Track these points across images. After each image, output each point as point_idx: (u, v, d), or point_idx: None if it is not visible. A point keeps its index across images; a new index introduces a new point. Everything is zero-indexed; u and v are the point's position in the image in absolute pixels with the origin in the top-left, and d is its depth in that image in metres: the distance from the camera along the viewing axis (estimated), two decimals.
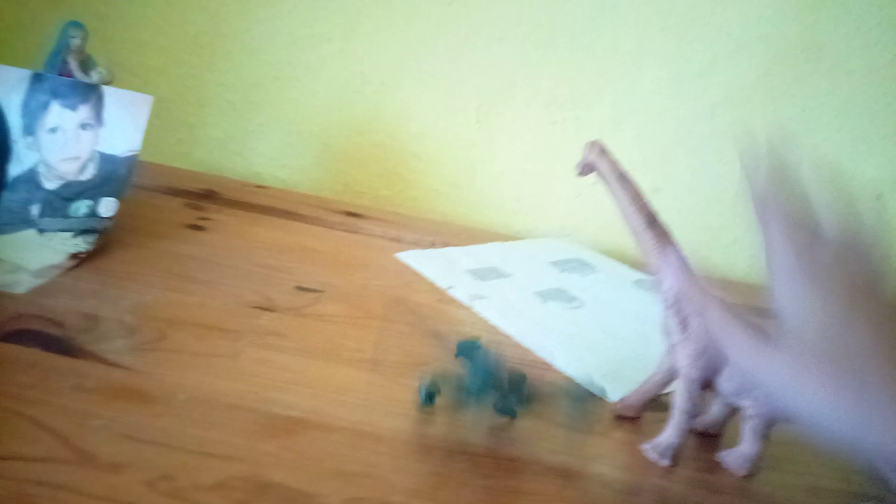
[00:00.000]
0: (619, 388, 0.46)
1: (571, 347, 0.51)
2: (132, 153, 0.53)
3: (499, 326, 0.53)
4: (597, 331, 0.55)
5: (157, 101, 0.80)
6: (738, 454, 0.39)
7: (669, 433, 0.39)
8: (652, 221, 0.38)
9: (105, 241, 0.52)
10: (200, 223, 0.61)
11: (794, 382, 0.30)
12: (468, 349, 0.37)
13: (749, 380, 0.37)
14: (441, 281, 0.59)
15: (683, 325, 0.38)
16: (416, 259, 0.63)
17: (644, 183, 0.81)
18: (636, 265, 0.74)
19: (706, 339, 0.37)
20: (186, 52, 0.80)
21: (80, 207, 0.51)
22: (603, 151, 0.39)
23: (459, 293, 0.58)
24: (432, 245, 0.69)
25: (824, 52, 0.76)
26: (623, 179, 0.38)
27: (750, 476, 0.39)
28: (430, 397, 0.38)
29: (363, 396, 0.39)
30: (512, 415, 0.38)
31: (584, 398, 0.38)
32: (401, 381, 0.42)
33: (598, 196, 0.83)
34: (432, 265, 0.63)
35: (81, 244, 0.50)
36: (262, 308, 0.47)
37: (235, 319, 0.45)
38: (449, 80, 0.80)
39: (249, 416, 0.35)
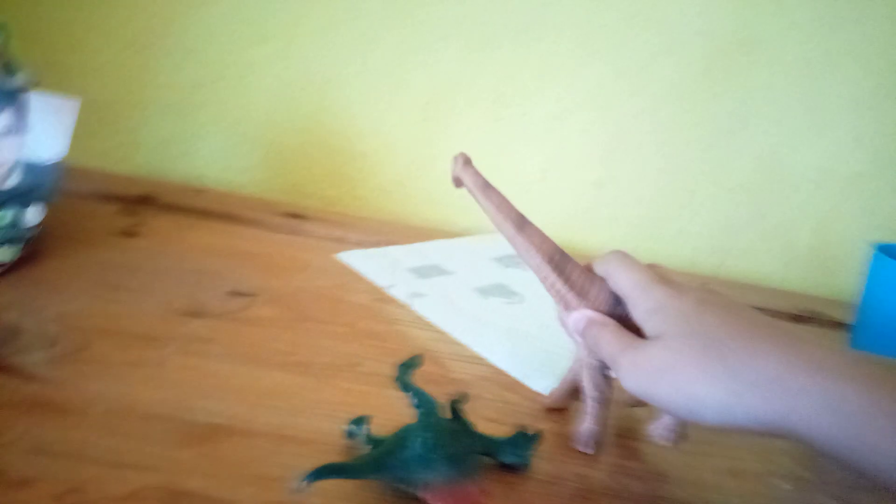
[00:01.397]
0: (550, 382, 0.47)
1: (508, 342, 0.52)
2: (59, 159, 0.52)
3: (436, 324, 0.54)
4: (534, 325, 0.56)
5: (95, 105, 0.79)
6: (662, 426, 0.41)
7: (587, 421, 0.40)
8: (521, 225, 0.39)
9: (32, 251, 0.51)
10: (134, 229, 0.60)
11: (670, 369, 0.31)
12: (408, 377, 0.36)
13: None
14: (380, 280, 0.60)
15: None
16: (357, 259, 0.63)
17: (589, 177, 0.83)
18: (581, 258, 0.75)
19: None
20: (124, 54, 0.78)
21: (5, 217, 0.50)
22: (467, 163, 0.40)
23: (398, 292, 0.58)
24: (376, 244, 0.69)
25: (760, 47, 0.78)
26: (487, 189, 0.39)
27: (675, 444, 0.41)
28: (352, 435, 0.37)
29: (289, 400, 0.39)
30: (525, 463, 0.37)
31: (525, 443, 0.38)
32: (330, 383, 0.42)
33: (544, 191, 0.83)
34: (373, 265, 0.63)
35: (5, 254, 0.49)
36: (191, 314, 0.47)
37: (163, 327, 0.44)
38: (394, 78, 0.80)
39: (169, 424, 0.35)
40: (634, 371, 0.33)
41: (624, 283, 0.37)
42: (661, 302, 0.34)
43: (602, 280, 0.39)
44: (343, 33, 0.78)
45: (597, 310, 0.38)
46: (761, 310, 0.72)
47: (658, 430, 0.42)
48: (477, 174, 0.40)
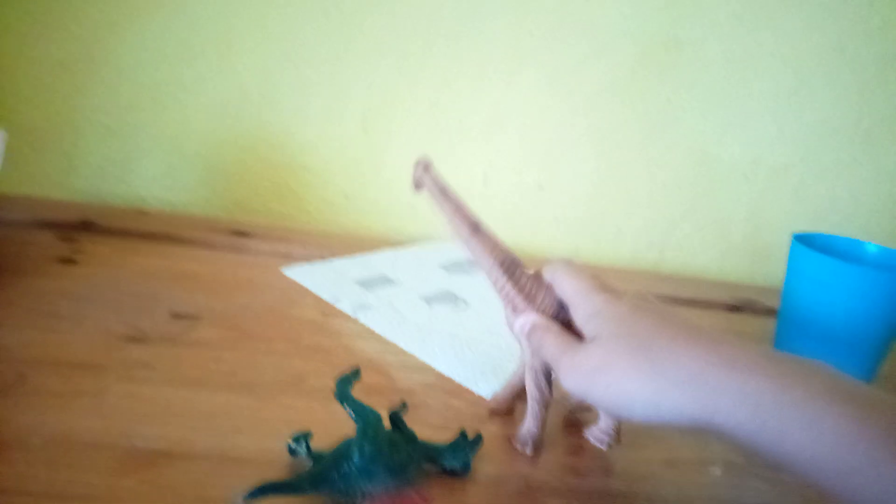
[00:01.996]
0: (495, 385, 0.48)
1: (452, 349, 0.53)
2: None
3: (383, 335, 0.55)
4: (479, 330, 0.57)
5: (27, 131, 0.78)
6: (598, 429, 0.43)
7: (528, 422, 0.41)
8: (475, 229, 0.40)
9: None
10: (73, 256, 0.60)
11: (604, 369, 0.33)
12: (347, 391, 0.37)
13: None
14: (327, 294, 0.60)
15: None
16: (303, 274, 0.64)
17: (528, 180, 0.85)
18: (526, 259, 0.77)
19: None
20: (54, 78, 0.77)
21: None
22: (427, 168, 0.41)
23: (345, 305, 0.59)
24: (322, 258, 0.69)
25: (684, 46, 0.81)
26: (445, 193, 0.40)
27: (611, 448, 0.43)
28: (294, 453, 0.37)
29: (232, 420, 0.39)
30: (467, 467, 0.38)
31: (466, 449, 0.39)
32: (273, 401, 0.42)
33: (486, 195, 0.85)
34: (318, 278, 0.63)
35: None
36: (132, 340, 0.47)
37: (102, 354, 0.44)
38: (332, 91, 0.80)
39: (109, 452, 0.35)
40: (573, 371, 0.35)
41: (567, 289, 0.39)
42: (599, 307, 0.36)
43: (549, 286, 0.40)
44: (277, 48, 0.78)
45: (543, 314, 0.39)
46: (699, 301, 0.75)
47: (594, 433, 0.43)
48: (436, 178, 0.41)
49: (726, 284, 0.82)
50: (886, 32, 0.81)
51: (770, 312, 0.73)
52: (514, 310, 0.40)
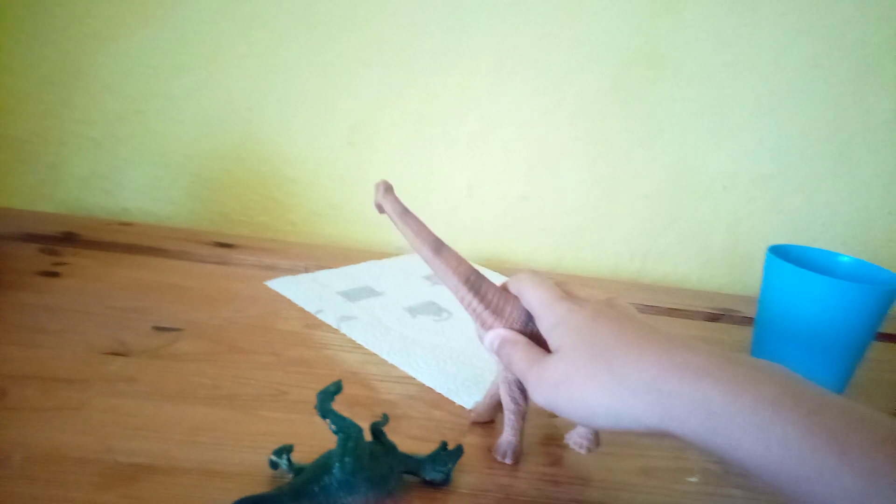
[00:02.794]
0: (476, 396, 0.49)
1: (435, 360, 0.54)
2: None
3: (365, 346, 0.55)
4: (461, 341, 0.58)
5: (13, 143, 0.78)
6: (577, 434, 0.43)
7: (506, 433, 0.42)
8: (438, 248, 0.41)
9: None
10: (55, 269, 0.60)
11: (567, 380, 0.34)
12: (328, 404, 0.37)
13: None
14: (310, 306, 0.61)
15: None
16: (286, 286, 0.64)
17: (513, 191, 0.86)
18: (508, 273, 0.78)
19: None
20: (39, 91, 0.77)
21: None
22: (387, 191, 0.41)
23: (328, 317, 0.59)
24: (307, 270, 0.70)
25: (665, 60, 0.83)
26: (405, 215, 0.41)
27: (591, 452, 0.43)
28: (275, 466, 0.38)
29: (214, 434, 0.40)
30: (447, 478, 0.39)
31: (446, 458, 0.40)
32: (256, 414, 0.43)
33: (471, 206, 0.86)
34: (302, 291, 0.63)
35: None
36: (114, 353, 0.47)
37: (84, 368, 0.44)
38: (318, 104, 0.81)
39: (91, 467, 0.35)
40: (539, 384, 0.35)
41: (532, 300, 0.39)
42: (561, 317, 0.37)
43: (516, 298, 0.41)
44: (263, 61, 0.79)
45: (511, 327, 0.40)
46: (679, 311, 0.76)
47: (574, 438, 0.44)
48: (396, 200, 0.42)
49: (706, 294, 0.83)
50: (862, 48, 0.82)
51: (748, 321, 0.74)
52: (483, 325, 0.41)
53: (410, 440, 0.43)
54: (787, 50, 0.83)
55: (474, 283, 0.41)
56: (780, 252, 0.58)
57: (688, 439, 0.30)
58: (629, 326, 0.35)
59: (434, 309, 0.64)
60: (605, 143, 0.85)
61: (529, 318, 0.40)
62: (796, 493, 0.27)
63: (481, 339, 0.42)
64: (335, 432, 0.36)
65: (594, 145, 0.85)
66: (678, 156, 0.86)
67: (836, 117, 0.85)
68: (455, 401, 0.48)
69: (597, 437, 0.44)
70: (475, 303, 0.40)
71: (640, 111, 0.84)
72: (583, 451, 0.44)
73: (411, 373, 0.52)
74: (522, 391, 0.41)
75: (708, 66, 0.83)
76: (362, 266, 0.73)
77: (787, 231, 0.89)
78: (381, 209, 0.42)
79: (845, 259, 0.58)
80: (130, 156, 0.80)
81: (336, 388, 0.38)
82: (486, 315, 0.40)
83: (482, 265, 0.81)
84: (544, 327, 0.38)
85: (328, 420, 0.36)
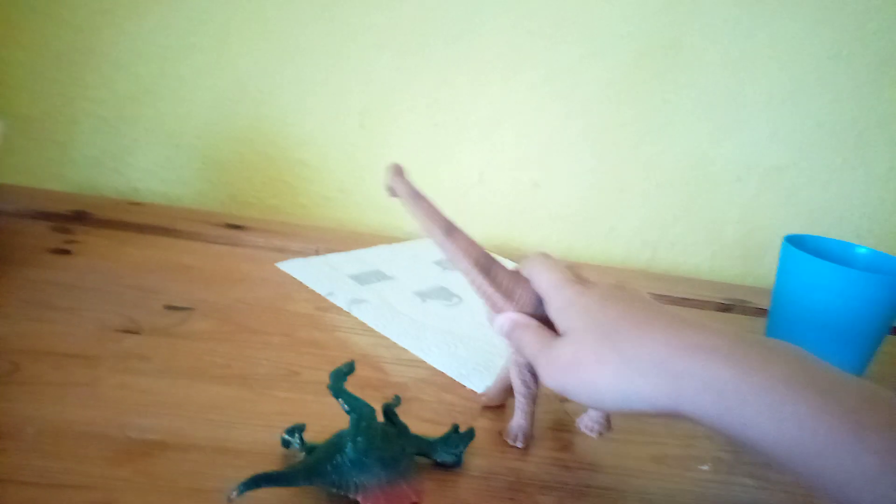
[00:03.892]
0: (486, 380, 0.49)
1: (445, 344, 0.53)
2: None
3: (376, 329, 0.55)
4: (472, 325, 0.58)
5: (23, 121, 0.78)
6: (588, 419, 0.43)
7: (517, 417, 0.41)
8: (450, 231, 0.40)
9: None
10: (67, 247, 0.60)
11: (576, 362, 0.34)
12: (340, 384, 0.37)
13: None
14: (321, 288, 0.60)
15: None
16: (297, 268, 0.64)
17: (524, 178, 0.85)
18: (519, 257, 0.77)
19: None
20: (51, 69, 0.77)
21: None
22: (398, 173, 0.41)
23: (339, 299, 0.59)
24: (317, 252, 0.70)
25: (681, 48, 0.82)
26: (417, 197, 0.41)
27: (602, 437, 0.43)
28: (287, 445, 0.38)
29: (226, 413, 0.40)
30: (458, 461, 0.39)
31: (457, 441, 0.40)
32: (268, 394, 0.43)
33: (482, 193, 0.85)
34: (313, 273, 0.63)
35: None
36: (126, 331, 0.47)
37: (96, 345, 0.44)
38: (330, 87, 0.80)
39: (104, 442, 0.35)
40: (549, 367, 0.35)
41: (542, 283, 0.39)
42: (569, 299, 0.36)
43: (527, 281, 0.41)
44: (275, 43, 0.78)
45: (522, 310, 0.40)
46: (690, 300, 0.76)
47: (585, 422, 0.44)
48: (408, 183, 0.41)
49: (718, 284, 0.83)
50: (881, 37, 0.81)
51: (760, 312, 0.73)
52: (494, 308, 0.41)
53: (421, 423, 0.42)
54: (805, 39, 0.82)
55: (486, 265, 0.40)
56: (796, 242, 0.57)
57: (699, 419, 0.30)
58: (638, 307, 0.34)
59: (444, 294, 0.64)
60: (618, 131, 0.84)
61: (540, 301, 0.40)
62: (809, 471, 0.26)
63: (492, 322, 0.42)
64: (348, 412, 0.36)
65: (607, 133, 0.84)
66: (692, 145, 0.85)
67: (853, 108, 0.84)
68: (466, 385, 0.48)
69: (608, 422, 0.44)
70: (486, 286, 0.40)
71: (655, 99, 0.83)
72: (594, 436, 0.43)
73: (422, 356, 0.52)
74: (533, 375, 0.41)
75: (723, 54, 0.82)
76: (373, 250, 0.73)
77: (801, 222, 0.88)
78: (392, 192, 0.42)
79: (862, 250, 0.57)
80: (141, 136, 0.80)
81: (349, 369, 0.38)
82: (497, 298, 0.40)
83: (492, 252, 0.81)
84: (553, 310, 0.37)
85: (341, 400, 0.36)
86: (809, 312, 0.51)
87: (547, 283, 0.38)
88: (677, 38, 0.81)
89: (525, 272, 0.41)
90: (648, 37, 0.81)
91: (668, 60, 0.82)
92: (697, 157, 0.85)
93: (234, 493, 0.30)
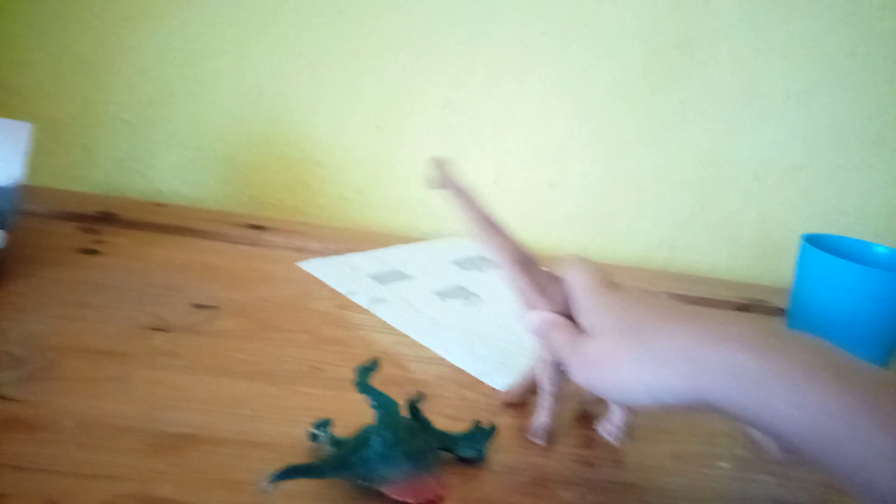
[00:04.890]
0: (507, 378, 0.49)
1: (466, 342, 0.54)
2: (14, 181, 0.53)
3: (397, 327, 0.56)
4: (491, 324, 0.58)
5: (48, 124, 0.80)
6: (609, 424, 0.44)
7: (540, 414, 0.42)
8: (491, 225, 0.41)
9: None
10: (95, 247, 0.61)
11: (604, 359, 0.35)
12: (366, 380, 0.38)
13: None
14: (342, 287, 0.61)
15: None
16: (319, 267, 0.65)
17: (539, 178, 0.86)
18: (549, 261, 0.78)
19: None
20: (75, 72, 0.79)
21: None
22: (443, 166, 0.42)
23: (360, 298, 0.60)
24: (337, 252, 0.71)
25: (696, 48, 0.82)
26: (461, 190, 0.42)
27: (623, 443, 0.43)
28: (315, 438, 0.39)
29: (255, 407, 0.41)
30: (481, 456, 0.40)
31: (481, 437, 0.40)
32: (293, 389, 0.44)
33: (497, 194, 0.86)
34: (334, 272, 0.64)
35: None
36: (155, 329, 0.48)
37: (127, 342, 0.46)
38: (346, 89, 0.81)
39: (138, 436, 0.36)
40: (579, 365, 0.36)
41: (573, 283, 0.40)
42: (596, 300, 0.37)
43: (561, 280, 0.41)
44: (292, 46, 0.79)
45: (554, 308, 0.40)
46: (708, 300, 0.76)
47: (606, 427, 0.44)
48: (452, 176, 0.42)
49: (735, 284, 0.83)
50: None
51: (778, 312, 0.74)
52: (527, 303, 0.41)
53: (443, 419, 0.43)
54: (821, 38, 0.82)
55: (523, 261, 0.41)
56: (814, 241, 0.58)
57: (722, 407, 0.30)
58: (663, 305, 0.35)
59: (463, 293, 0.65)
60: (633, 130, 0.84)
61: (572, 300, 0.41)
62: (828, 456, 0.27)
63: (523, 318, 0.42)
64: (374, 407, 0.37)
65: (622, 133, 0.84)
66: (708, 144, 0.85)
67: (870, 107, 0.84)
68: (486, 382, 0.49)
69: (629, 428, 0.44)
70: (522, 281, 0.41)
71: (670, 98, 0.84)
72: (614, 441, 0.43)
73: (443, 354, 0.52)
74: (561, 373, 0.42)
75: (740, 53, 0.83)
76: (391, 250, 0.74)
77: (818, 221, 0.88)
78: (435, 184, 0.43)
79: (881, 249, 0.57)
80: (163, 138, 0.82)
81: (374, 365, 0.39)
82: (532, 294, 0.41)
83: None
84: (582, 310, 0.38)
85: (367, 395, 0.37)
86: (829, 312, 0.52)
87: (579, 285, 0.39)
88: (691, 37, 0.82)
89: (560, 272, 0.42)
90: (662, 36, 0.81)
91: (682, 60, 0.82)
92: (713, 156, 0.86)
93: (267, 483, 0.31)
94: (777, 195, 0.87)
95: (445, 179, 0.42)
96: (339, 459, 0.35)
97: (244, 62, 0.80)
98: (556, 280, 0.41)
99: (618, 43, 0.81)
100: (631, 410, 0.43)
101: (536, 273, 0.41)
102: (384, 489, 0.34)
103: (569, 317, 0.40)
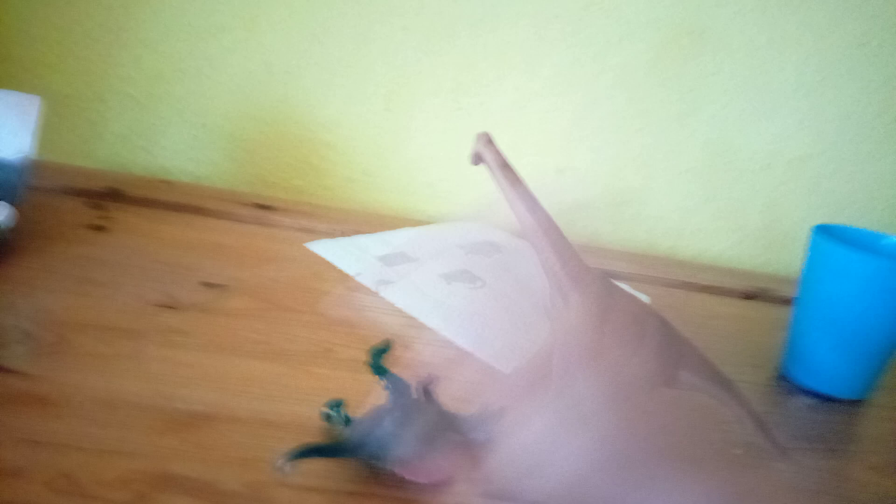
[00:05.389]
0: (513, 361, 0.49)
1: (471, 325, 0.54)
2: (24, 156, 0.52)
3: (403, 309, 0.56)
4: (496, 308, 0.58)
5: (55, 98, 0.79)
6: None
7: None
8: (532, 206, 0.41)
9: (2, 249, 0.51)
10: (102, 223, 0.61)
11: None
12: (380, 361, 0.38)
13: None
14: (349, 268, 0.61)
15: (565, 300, 0.41)
16: (326, 248, 0.65)
17: (549, 164, 0.86)
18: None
19: (584, 312, 0.41)
20: (82, 47, 0.78)
21: None
22: (489, 142, 0.41)
23: (367, 279, 0.60)
24: (343, 233, 0.70)
25: (708, 35, 0.81)
26: (505, 168, 0.41)
27: None
28: (329, 419, 0.39)
29: (266, 387, 0.41)
30: None
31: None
32: (304, 370, 0.44)
33: None
34: (341, 253, 0.64)
35: None
36: (164, 306, 0.48)
37: (137, 319, 0.46)
38: (355, 69, 0.81)
39: (151, 412, 0.36)
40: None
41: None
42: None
43: (596, 271, 0.41)
44: (302, 24, 0.79)
45: (586, 297, 0.40)
46: (713, 288, 0.76)
47: None
48: (498, 153, 0.42)
49: (741, 272, 0.83)
50: None
51: (784, 301, 0.74)
52: (559, 289, 0.41)
53: (451, 401, 0.43)
54: (833, 27, 0.81)
55: (560, 246, 0.41)
56: (824, 231, 0.58)
57: None
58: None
59: (469, 277, 0.64)
60: (643, 117, 0.84)
61: (607, 290, 0.41)
62: None
63: (550, 303, 0.42)
64: (386, 388, 0.37)
65: (632, 120, 0.84)
66: (717, 133, 0.85)
67: (882, 98, 0.84)
68: (494, 365, 0.49)
69: None
70: (557, 266, 0.41)
71: (680, 86, 0.83)
72: None
73: (450, 337, 0.52)
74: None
75: (751, 42, 0.82)
76: (398, 232, 0.73)
77: (826, 212, 0.88)
78: (478, 159, 0.42)
79: (892, 240, 0.57)
80: (169, 115, 0.81)
81: (387, 347, 0.39)
82: (565, 280, 0.41)
83: (513, 237, 0.82)
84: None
85: (381, 376, 0.37)
86: (838, 302, 0.52)
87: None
88: (702, 25, 0.81)
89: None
90: (674, 23, 0.81)
91: (694, 47, 0.82)
92: (723, 144, 0.85)
93: (284, 462, 0.31)
94: (785, 185, 0.87)
95: (489, 154, 0.41)
96: (354, 440, 0.35)
97: (253, 39, 0.79)
98: (591, 270, 0.41)
99: (630, 30, 0.80)
100: None
101: (572, 260, 0.41)
102: (396, 469, 0.34)
103: (604, 307, 0.40)
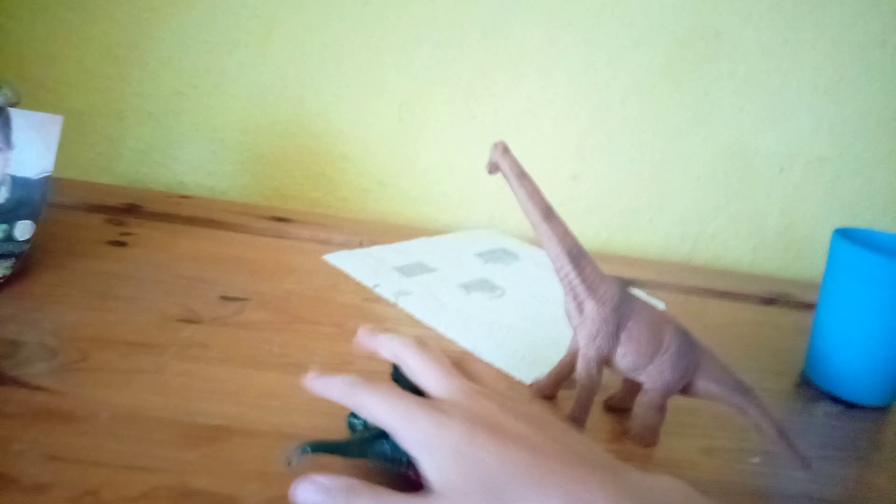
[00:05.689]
0: (535, 371, 0.49)
1: (492, 335, 0.54)
2: (45, 174, 0.53)
3: (423, 321, 0.56)
4: (516, 317, 0.58)
5: (74, 116, 0.80)
6: (641, 426, 0.43)
7: (574, 408, 0.42)
8: (548, 215, 0.41)
9: (24, 265, 0.52)
10: (122, 238, 0.61)
11: None
12: (400, 371, 0.38)
13: (642, 356, 0.40)
14: (367, 280, 0.61)
15: (580, 308, 0.41)
16: (344, 260, 0.65)
17: (563, 170, 0.85)
18: None
19: (599, 321, 0.40)
20: (100, 65, 0.79)
21: None
22: (505, 151, 0.41)
23: (385, 291, 0.60)
24: (360, 245, 0.71)
25: (722, 38, 0.81)
26: (522, 177, 0.41)
27: (654, 443, 0.43)
28: (353, 427, 0.39)
29: (286, 399, 0.41)
30: None
31: None
32: None
33: None
34: (359, 265, 0.64)
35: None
36: (185, 320, 0.48)
37: (159, 334, 0.46)
38: (369, 80, 0.81)
39: (173, 427, 0.37)
40: None
41: (385, 409, 0.32)
42: (428, 435, 0.30)
43: (612, 279, 0.41)
44: (316, 38, 0.79)
45: (603, 307, 0.40)
46: (732, 294, 0.75)
47: (636, 429, 0.43)
48: (514, 161, 0.42)
49: (760, 277, 0.82)
50: None
51: (805, 306, 0.73)
52: (576, 299, 0.41)
53: None
54: (850, 28, 0.80)
55: (576, 256, 0.41)
56: (845, 235, 0.57)
57: None
58: (512, 444, 0.30)
59: (488, 286, 0.64)
60: (658, 122, 0.84)
61: (622, 300, 0.41)
62: None
63: (569, 313, 0.42)
64: None
65: (646, 124, 0.84)
66: (733, 136, 0.84)
67: None
68: (514, 375, 0.49)
69: (657, 430, 0.43)
70: (573, 275, 0.41)
71: (695, 90, 0.83)
72: (641, 444, 0.43)
73: (469, 347, 0.52)
74: (600, 369, 0.42)
75: (766, 44, 0.81)
76: (415, 242, 0.73)
77: (844, 215, 0.87)
78: (494, 168, 0.42)
79: None
80: (186, 130, 0.82)
81: None
82: (581, 290, 0.41)
83: (529, 245, 0.81)
84: (409, 444, 0.31)
85: (401, 385, 0.37)
86: (861, 307, 0.51)
87: (391, 410, 0.32)
88: (716, 28, 0.81)
89: (386, 353, 0.37)
90: (689, 26, 0.80)
91: (708, 50, 0.81)
92: (739, 148, 0.85)
93: (300, 454, 0.31)
94: (803, 188, 0.86)
95: (505, 163, 0.41)
96: (365, 440, 0.35)
97: (267, 54, 0.80)
98: (607, 278, 0.41)
99: (644, 33, 0.80)
100: (662, 412, 0.43)
101: (589, 269, 0.41)
102: (408, 472, 0.34)
103: (618, 322, 0.40)
